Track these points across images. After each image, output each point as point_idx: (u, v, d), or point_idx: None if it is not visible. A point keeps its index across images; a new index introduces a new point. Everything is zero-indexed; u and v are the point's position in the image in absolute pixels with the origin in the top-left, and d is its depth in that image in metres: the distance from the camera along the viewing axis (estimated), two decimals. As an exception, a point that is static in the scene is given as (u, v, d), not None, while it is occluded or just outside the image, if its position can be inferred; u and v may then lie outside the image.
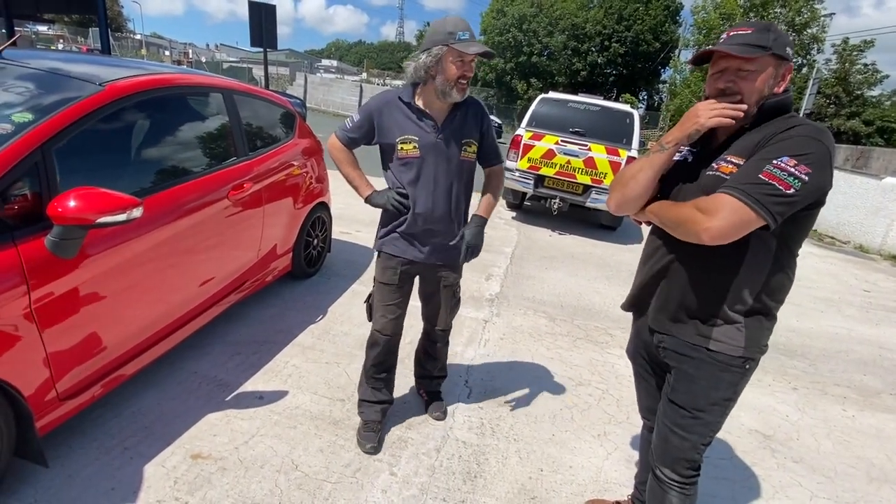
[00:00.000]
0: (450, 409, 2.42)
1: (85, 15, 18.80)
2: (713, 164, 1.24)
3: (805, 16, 20.35)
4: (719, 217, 1.11)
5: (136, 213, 1.69)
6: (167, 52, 35.72)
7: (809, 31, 20.88)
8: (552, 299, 4.09)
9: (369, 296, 2.11)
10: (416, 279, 2.10)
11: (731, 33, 1.22)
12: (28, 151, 1.59)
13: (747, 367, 1.29)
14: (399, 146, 1.83)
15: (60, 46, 25.80)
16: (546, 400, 2.62)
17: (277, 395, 2.34)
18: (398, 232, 1.93)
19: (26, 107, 1.75)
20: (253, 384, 2.41)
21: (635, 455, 2.20)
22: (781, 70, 1.20)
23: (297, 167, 3.30)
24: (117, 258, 1.86)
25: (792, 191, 1.08)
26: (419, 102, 1.84)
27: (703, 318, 1.29)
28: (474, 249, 1.99)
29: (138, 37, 38.37)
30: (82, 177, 1.84)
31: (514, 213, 7.16)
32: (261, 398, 2.31)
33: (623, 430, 2.44)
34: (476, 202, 2.05)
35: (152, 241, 2.03)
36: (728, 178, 1.17)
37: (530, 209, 7.51)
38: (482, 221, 2.01)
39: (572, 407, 2.59)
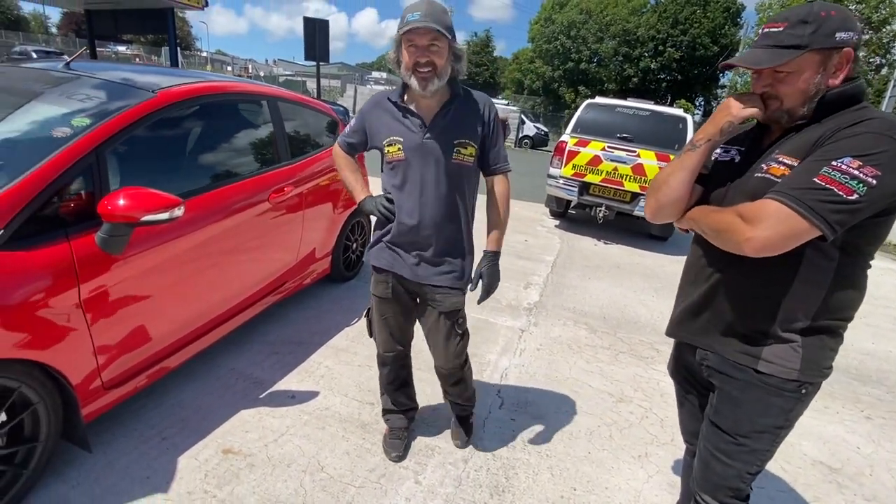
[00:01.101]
0: (481, 418, 2.35)
1: (158, 35, 20.34)
2: (762, 165, 1.12)
3: (884, 12, 18.79)
4: (764, 226, 0.99)
5: (178, 212, 1.76)
6: (229, 68, 37.94)
7: (890, 27, 19.23)
8: (594, 310, 3.93)
9: (368, 310, 1.97)
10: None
11: (764, 30, 1.09)
12: (83, 154, 1.69)
13: (803, 391, 1.15)
14: (385, 148, 1.67)
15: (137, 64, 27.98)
16: (583, 415, 2.50)
17: (309, 396, 2.36)
18: (384, 241, 1.77)
19: (86, 112, 1.87)
20: (287, 383, 2.45)
21: (678, 480, 2.04)
22: (834, 60, 1.05)
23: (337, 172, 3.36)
24: (162, 255, 1.95)
25: (855, 197, 0.94)
26: (407, 100, 1.66)
27: (750, 336, 1.16)
28: (489, 288, 1.78)
29: (204, 54, 41.08)
30: (132, 177, 1.94)
31: (557, 222, 6.99)
32: (293, 397, 2.34)
33: (666, 452, 2.28)
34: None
35: (195, 241, 2.11)
36: (779, 180, 1.04)
37: (575, 217, 7.32)
38: (493, 256, 1.77)
39: (611, 424, 2.46)
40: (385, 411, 2.12)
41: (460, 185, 1.70)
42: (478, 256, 1.82)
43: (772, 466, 2.23)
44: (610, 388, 2.80)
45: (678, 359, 1.47)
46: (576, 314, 3.80)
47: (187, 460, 1.87)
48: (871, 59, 19.90)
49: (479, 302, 1.83)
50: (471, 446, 2.16)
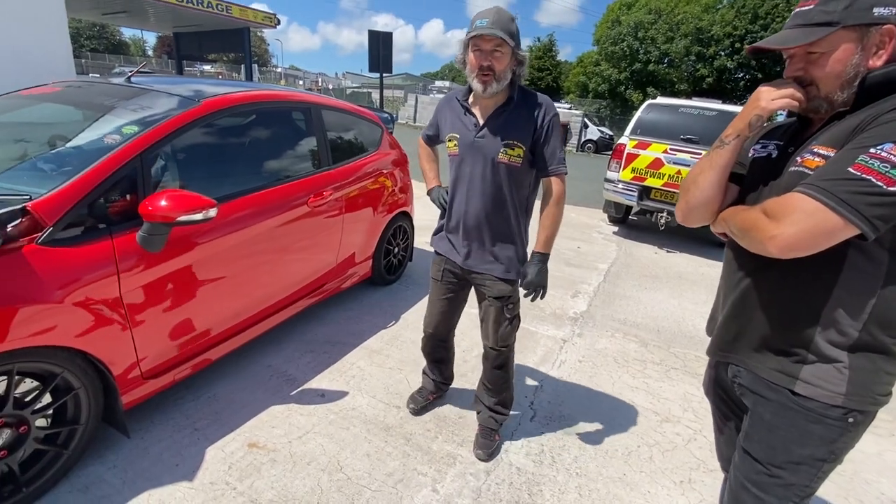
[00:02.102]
0: (509, 430, 2.25)
1: (237, 53, 22.02)
2: (797, 158, 0.98)
3: None
4: (788, 222, 0.86)
5: (212, 212, 1.85)
6: (300, 82, 40.25)
7: None
8: (647, 322, 3.68)
9: None
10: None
11: (796, 10, 0.97)
12: (128, 159, 1.82)
13: (850, 420, 0.97)
14: (447, 143, 1.85)
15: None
16: (622, 434, 2.33)
17: (338, 395, 2.38)
18: (442, 230, 1.97)
19: (136, 121, 2.02)
20: (318, 382, 2.49)
21: (725, 512, 1.83)
22: (872, 38, 0.90)
23: (379, 178, 3.41)
24: (200, 255, 2.05)
25: None
26: (471, 101, 1.79)
27: (786, 352, 1.01)
28: (536, 289, 1.79)
29: (279, 70, 43.87)
30: (174, 180, 2.07)
31: (615, 228, 6.67)
32: (322, 396, 2.38)
33: (714, 480, 2.06)
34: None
35: (233, 241, 2.21)
36: (812, 173, 0.91)
37: (635, 224, 6.95)
38: (542, 257, 1.80)
39: (653, 445, 2.26)
40: (423, 371, 2.40)
41: (508, 184, 1.77)
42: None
43: (843, 507, 1.95)
44: (656, 406, 2.59)
45: (713, 376, 1.31)
46: (626, 326, 3.58)
47: (215, 451, 1.94)
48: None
49: (530, 300, 1.85)
50: (497, 457, 2.07)
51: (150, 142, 1.91)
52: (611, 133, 20.78)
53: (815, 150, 0.95)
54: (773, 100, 0.98)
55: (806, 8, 0.96)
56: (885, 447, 2.40)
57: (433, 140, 2.05)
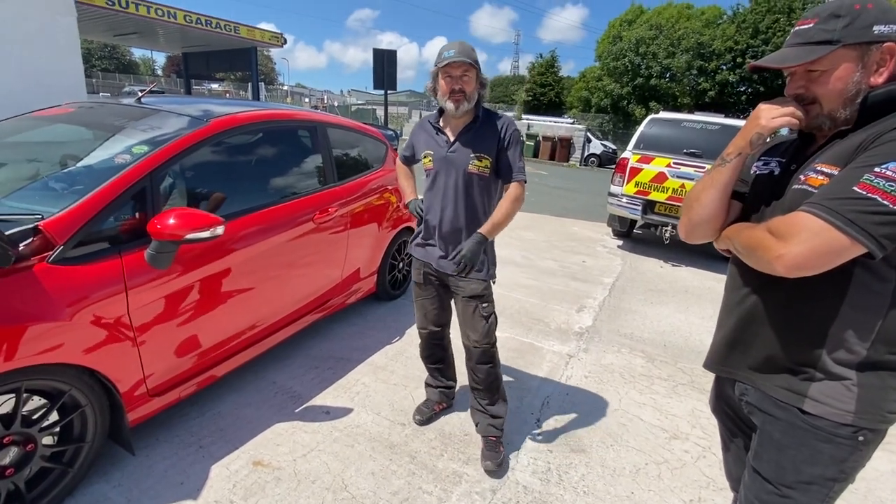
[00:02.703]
0: (515, 447, 2.23)
1: (244, 72, 22.43)
2: (800, 176, 0.99)
3: None
4: (795, 242, 0.87)
5: (219, 230, 1.87)
6: (306, 100, 40.85)
7: None
8: (654, 337, 3.65)
9: None
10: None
11: (795, 28, 0.99)
12: (137, 178, 1.85)
13: (861, 439, 0.96)
14: (422, 160, 2.06)
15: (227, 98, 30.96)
16: (630, 451, 2.30)
17: (343, 412, 2.38)
18: (419, 236, 2.14)
19: (146, 140, 2.06)
20: (323, 398, 2.48)
21: (736, 533, 1.79)
22: (873, 56, 0.92)
23: (384, 193, 3.44)
24: (208, 271, 2.07)
25: None
26: (442, 122, 2.02)
27: (794, 370, 1.00)
28: (463, 263, 1.92)
29: (285, 88, 44.58)
30: (183, 198, 2.10)
31: (620, 242, 6.66)
32: (327, 413, 2.37)
33: (724, 499, 2.02)
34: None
35: (240, 258, 2.23)
36: (816, 191, 0.92)
37: (640, 238, 6.94)
38: (480, 238, 1.93)
39: (661, 463, 2.23)
40: (425, 383, 2.48)
41: (478, 192, 1.98)
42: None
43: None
44: (664, 422, 2.56)
45: (719, 393, 1.30)
46: (632, 341, 3.56)
47: (219, 469, 1.94)
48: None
49: (455, 273, 1.98)
50: (498, 478, 2.04)
51: (159, 161, 1.94)
52: (614, 147, 20.88)
53: (819, 167, 0.95)
54: (773, 118, 0.99)
55: (806, 27, 0.98)
56: (899, 464, 2.35)
57: (409, 160, 2.23)
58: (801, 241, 0.86)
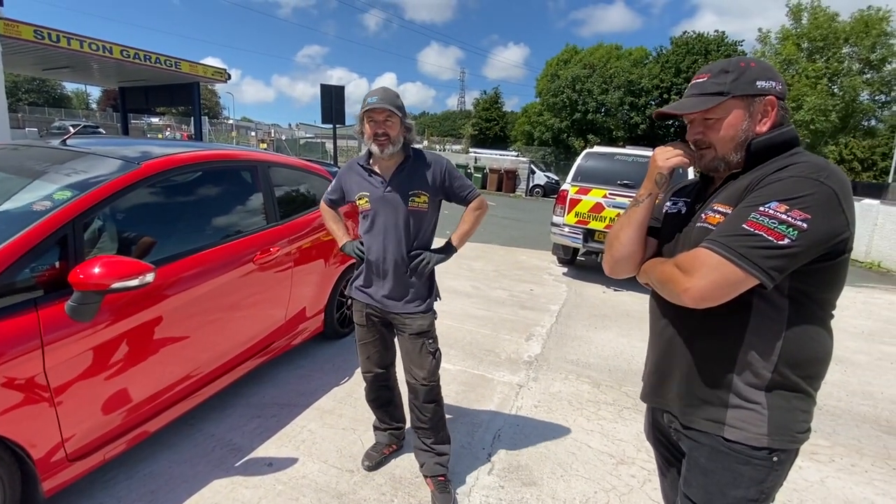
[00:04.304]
0: (468, 486, 2.21)
1: (187, 106, 21.84)
2: (701, 215, 1.10)
3: (880, 51, 19.05)
4: (698, 276, 0.96)
5: (149, 277, 1.78)
6: (253, 133, 40.12)
7: (890, 66, 19.39)
8: (599, 362, 3.77)
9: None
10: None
11: (693, 81, 1.13)
12: (58, 226, 1.75)
13: (775, 459, 1.04)
14: (357, 202, 2.06)
15: (167, 133, 29.88)
16: (579, 480, 2.33)
17: (287, 463, 2.27)
18: (360, 277, 2.13)
19: (70, 185, 1.96)
20: (265, 449, 2.36)
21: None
22: (758, 107, 1.06)
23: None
24: (136, 321, 1.96)
25: (786, 241, 0.91)
26: (372, 163, 2.04)
27: (711, 398, 1.08)
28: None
29: (231, 122, 43.66)
30: (112, 245, 2.00)
31: (565, 269, 6.90)
32: (270, 465, 2.25)
33: (669, 520, 2.08)
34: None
35: (173, 304, 2.13)
36: (714, 229, 1.02)
37: (583, 264, 7.23)
38: (446, 246, 2.09)
39: (609, 490, 2.28)
40: (373, 426, 2.42)
41: (418, 226, 2.03)
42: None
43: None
44: (611, 448, 2.63)
45: (652, 421, 1.37)
46: (579, 367, 3.65)
47: (149, 537, 1.79)
48: (876, 98, 19.97)
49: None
50: (453, 517, 2.01)
51: (84, 207, 1.85)
52: (556, 178, 21.84)
53: (716, 207, 1.07)
54: (667, 159, 1.12)
55: (701, 80, 1.11)
56: (826, 473, 2.52)
57: (336, 203, 2.24)
58: (703, 276, 0.95)
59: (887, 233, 9.08)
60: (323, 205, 2.29)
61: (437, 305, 2.14)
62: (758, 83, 1.04)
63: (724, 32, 29.08)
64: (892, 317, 5.63)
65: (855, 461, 2.66)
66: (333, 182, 2.22)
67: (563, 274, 6.65)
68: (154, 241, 2.12)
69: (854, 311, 5.74)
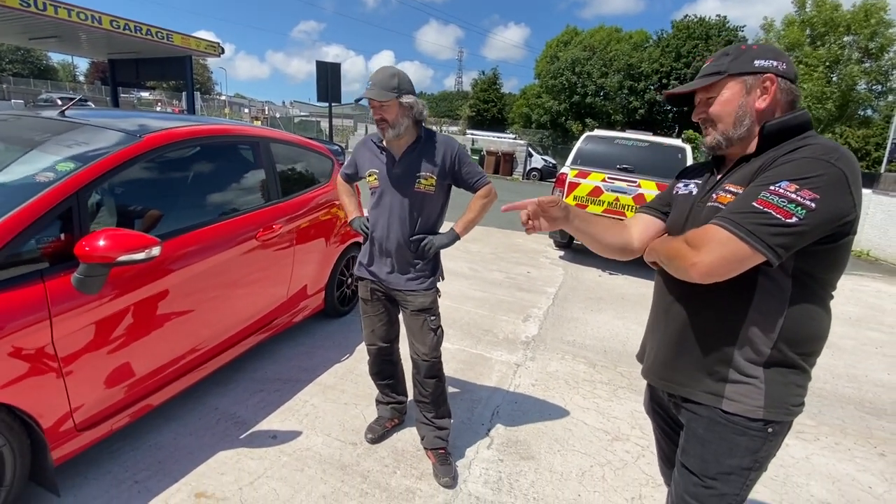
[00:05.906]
0: (467, 458, 2.27)
1: (178, 81, 21.34)
2: (712, 195, 1.13)
3: (879, 41, 19.00)
4: (706, 251, 0.99)
5: (155, 251, 1.78)
6: (246, 110, 39.45)
7: (889, 55, 19.36)
8: (594, 343, 3.84)
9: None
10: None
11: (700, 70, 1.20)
12: (63, 197, 1.73)
13: (770, 430, 1.09)
14: (367, 178, 2.09)
15: (158, 108, 29.29)
16: (576, 455, 2.40)
17: (291, 435, 2.31)
18: (365, 254, 2.15)
19: (72, 157, 1.94)
20: (269, 423, 2.40)
21: (673, 525, 1.92)
22: (755, 84, 1.09)
23: (331, 209, 3.40)
24: (142, 294, 1.97)
25: (794, 220, 0.93)
26: (385, 141, 2.03)
27: (712, 372, 1.12)
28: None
29: (223, 98, 42.86)
30: (115, 218, 1.99)
31: (562, 253, 6.95)
32: (274, 437, 2.29)
33: (662, 494, 2.15)
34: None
35: (178, 279, 2.13)
36: (724, 207, 1.05)
37: (580, 248, 7.27)
38: (452, 234, 2.09)
39: (605, 465, 2.35)
40: (376, 400, 2.44)
41: (424, 208, 2.03)
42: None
43: (776, 511, 2.09)
44: (606, 425, 2.70)
45: (651, 395, 1.42)
46: (575, 348, 3.71)
47: (158, 505, 1.82)
48: (873, 87, 19.98)
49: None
50: (453, 489, 2.07)
51: (88, 179, 1.83)
52: (554, 161, 21.79)
53: (727, 187, 1.10)
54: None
55: (706, 65, 1.18)
56: (811, 451, 2.61)
57: (352, 178, 2.27)
58: (711, 251, 0.98)
59: (877, 222, 9.21)
60: (339, 178, 2.32)
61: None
62: (756, 62, 1.09)
63: (725, 17, 28.85)
64: (879, 304, 5.75)
65: (839, 440, 2.75)
66: (349, 157, 2.25)
67: (560, 257, 6.70)
68: (161, 214, 2.11)
69: (842, 297, 5.84)
